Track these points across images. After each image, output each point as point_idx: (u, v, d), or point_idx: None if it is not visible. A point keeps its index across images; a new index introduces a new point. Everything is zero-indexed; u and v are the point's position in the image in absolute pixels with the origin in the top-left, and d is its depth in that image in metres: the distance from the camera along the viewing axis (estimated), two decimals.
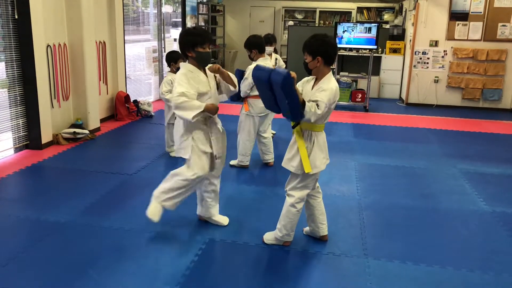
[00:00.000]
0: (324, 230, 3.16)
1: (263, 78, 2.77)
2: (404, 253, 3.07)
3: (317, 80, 2.88)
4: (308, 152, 2.84)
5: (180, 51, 3.23)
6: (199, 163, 3.07)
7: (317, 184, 3.10)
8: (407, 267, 2.91)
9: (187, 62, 3.13)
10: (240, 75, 4.50)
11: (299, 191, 2.94)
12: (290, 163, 2.91)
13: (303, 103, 2.69)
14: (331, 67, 2.89)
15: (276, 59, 5.94)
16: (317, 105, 2.70)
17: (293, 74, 2.62)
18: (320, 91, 2.75)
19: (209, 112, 3.01)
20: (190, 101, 2.92)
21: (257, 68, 2.91)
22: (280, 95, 2.69)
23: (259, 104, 4.39)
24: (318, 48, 2.79)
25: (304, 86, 2.92)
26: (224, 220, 3.41)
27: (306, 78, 2.97)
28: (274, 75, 2.67)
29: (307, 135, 2.86)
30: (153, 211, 3.13)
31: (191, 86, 2.96)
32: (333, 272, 2.84)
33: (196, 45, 3.01)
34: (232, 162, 4.79)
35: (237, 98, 4.51)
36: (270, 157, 4.87)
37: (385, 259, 2.99)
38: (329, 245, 3.14)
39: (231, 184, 4.27)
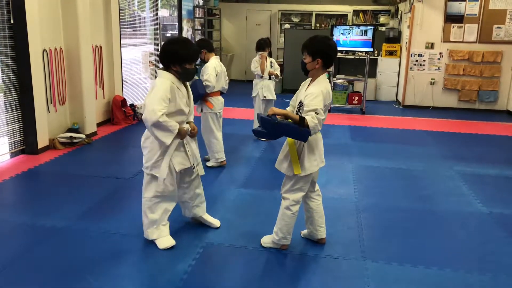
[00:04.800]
0: (322, 233, 3.16)
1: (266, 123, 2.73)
2: (402, 255, 3.07)
3: (311, 81, 2.87)
4: (298, 154, 2.84)
5: (161, 60, 2.99)
6: (169, 180, 3.03)
7: (317, 187, 3.10)
8: (405, 269, 2.91)
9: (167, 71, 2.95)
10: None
11: (293, 193, 2.93)
12: (281, 164, 2.93)
13: (301, 119, 2.63)
14: (327, 70, 2.89)
15: (271, 62, 5.97)
16: (316, 113, 2.65)
17: (275, 111, 2.67)
18: (313, 98, 2.69)
19: (179, 137, 2.94)
20: (169, 121, 2.83)
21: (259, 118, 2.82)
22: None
23: (217, 100, 4.66)
24: (319, 49, 2.77)
25: (301, 89, 2.92)
26: (216, 222, 3.40)
27: (305, 81, 2.96)
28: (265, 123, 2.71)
29: None
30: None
31: (169, 105, 2.85)
32: (331, 275, 2.83)
33: (185, 62, 2.92)
34: (210, 164, 4.81)
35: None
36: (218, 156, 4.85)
37: (383, 262, 2.99)
38: (327, 248, 3.13)
39: (228, 187, 4.26)
